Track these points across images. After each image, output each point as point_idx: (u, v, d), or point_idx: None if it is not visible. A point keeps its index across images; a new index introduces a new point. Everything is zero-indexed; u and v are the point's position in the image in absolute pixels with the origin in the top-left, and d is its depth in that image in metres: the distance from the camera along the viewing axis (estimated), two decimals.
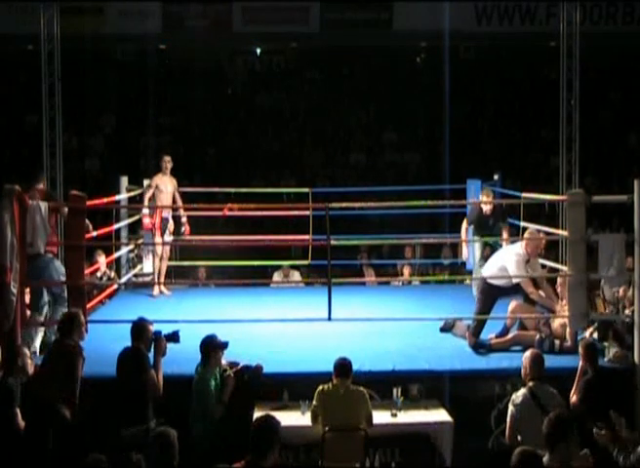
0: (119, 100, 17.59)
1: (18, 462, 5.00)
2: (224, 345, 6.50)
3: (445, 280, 11.45)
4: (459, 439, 6.45)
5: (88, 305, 7.99)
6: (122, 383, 6.08)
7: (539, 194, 9.83)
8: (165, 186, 10.22)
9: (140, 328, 6.24)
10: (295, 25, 16.36)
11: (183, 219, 10.44)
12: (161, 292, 10.31)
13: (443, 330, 8.32)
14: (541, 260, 8.53)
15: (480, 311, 7.87)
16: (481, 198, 9.72)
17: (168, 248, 10.37)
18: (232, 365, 6.62)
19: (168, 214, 10.22)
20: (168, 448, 4.56)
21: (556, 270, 8.87)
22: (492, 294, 7.83)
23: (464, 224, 9.80)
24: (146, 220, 10.15)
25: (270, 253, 11.57)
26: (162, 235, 10.16)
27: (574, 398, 6.44)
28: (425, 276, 12.02)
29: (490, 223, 9.60)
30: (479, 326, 7.80)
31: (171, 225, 10.24)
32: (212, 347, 6.44)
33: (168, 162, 10.31)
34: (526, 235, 7.92)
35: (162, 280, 10.38)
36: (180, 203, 10.40)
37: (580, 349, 6.62)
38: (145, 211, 10.14)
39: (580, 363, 6.61)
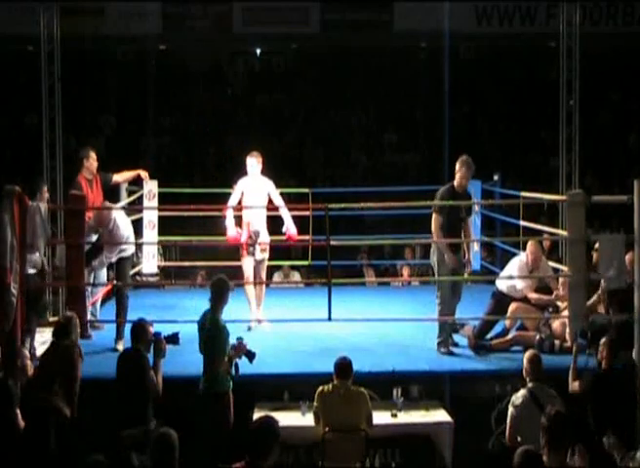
0: (119, 101, 17.56)
1: (17, 463, 4.99)
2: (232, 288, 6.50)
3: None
4: (459, 439, 6.47)
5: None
6: (122, 384, 6.08)
7: (539, 194, 9.82)
8: (253, 192, 8.48)
9: (139, 329, 6.24)
10: (295, 26, 16.33)
11: (288, 222, 8.59)
12: (259, 322, 8.47)
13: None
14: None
15: (487, 315, 7.91)
16: (460, 170, 7.92)
17: (262, 268, 8.54)
18: None
19: (260, 225, 8.41)
20: (168, 449, 4.55)
21: (557, 270, 8.88)
22: (501, 302, 7.86)
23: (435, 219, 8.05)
24: (231, 232, 8.35)
25: (270, 253, 11.53)
26: (252, 254, 8.36)
27: (575, 385, 6.37)
28: (425, 276, 12.00)
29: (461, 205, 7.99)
30: (483, 329, 7.82)
31: (264, 242, 8.44)
32: (224, 287, 6.40)
33: (257, 158, 8.64)
34: (528, 244, 7.95)
35: (260, 311, 8.54)
36: (281, 205, 8.54)
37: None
38: (230, 220, 8.36)
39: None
